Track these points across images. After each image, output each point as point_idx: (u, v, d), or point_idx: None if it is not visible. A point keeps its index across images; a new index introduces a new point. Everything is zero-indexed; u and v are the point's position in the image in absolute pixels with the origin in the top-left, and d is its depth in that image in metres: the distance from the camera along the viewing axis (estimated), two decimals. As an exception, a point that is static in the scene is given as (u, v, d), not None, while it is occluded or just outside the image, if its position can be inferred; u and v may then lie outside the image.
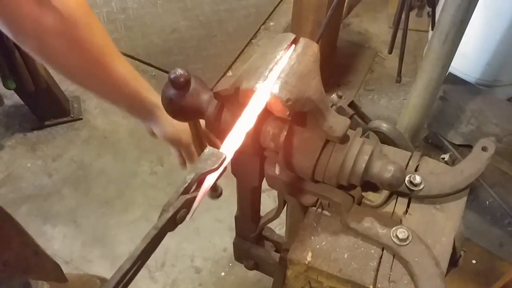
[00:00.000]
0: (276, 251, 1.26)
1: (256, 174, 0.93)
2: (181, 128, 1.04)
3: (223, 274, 1.90)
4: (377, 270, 0.84)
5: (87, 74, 0.90)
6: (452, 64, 1.59)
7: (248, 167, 0.93)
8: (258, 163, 0.89)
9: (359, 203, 0.90)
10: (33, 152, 2.26)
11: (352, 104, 1.15)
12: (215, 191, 1.06)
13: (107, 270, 1.88)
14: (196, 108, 0.84)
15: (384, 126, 1.05)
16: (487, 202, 2.01)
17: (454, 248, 0.88)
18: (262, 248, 1.25)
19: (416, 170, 0.96)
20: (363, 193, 0.91)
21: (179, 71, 0.78)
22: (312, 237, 0.89)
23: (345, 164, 0.78)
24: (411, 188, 0.90)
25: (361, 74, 2.57)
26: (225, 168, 0.66)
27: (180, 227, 1.82)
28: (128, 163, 2.21)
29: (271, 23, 2.83)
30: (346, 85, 2.52)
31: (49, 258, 1.21)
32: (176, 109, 0.83)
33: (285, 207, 1.06)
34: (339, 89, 2.49)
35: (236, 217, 1.19)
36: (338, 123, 0.76)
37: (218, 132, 0.84)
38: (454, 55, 1.53)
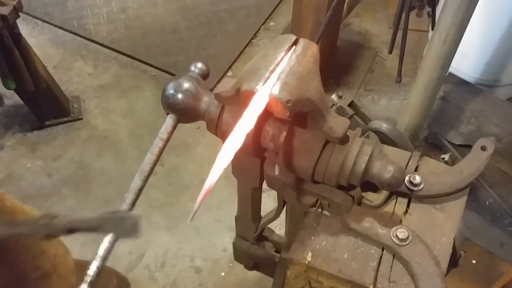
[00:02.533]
0: (276, 251, 1.27)
1: (257, 175, 0.93)
2: None
3: (223, 274, 1.90)
4: (377, 270, 0.84)
5: None
6: (452, 64, 1.59)
7: (249, 168, 0.93)
8: (259, 164, 0.89)
9: (359, 203, 0.90)
10: (33, 152, 2.26)
11: (352, 104, 1.15)
12: None
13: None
14: (197, 110, 0.84)
15: (384, 126, 1.05)
16: (487, 202, 2.01)
17: (454, 248, 0.88)
18: (262, 248, 1.26)
19: (416, 170, 0.96)
20: (363, 194, 0.91)
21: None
22: (312, 237, 0.89)
23: (345, 164, 0.78)
24: (411, 188, 0.90)
25: (361, 74, 2.57)
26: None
27: (180, 227, 1.83)
28: (128, 163, 2.21)
29: (271, 23, 2.83)
30: (346, 85, 2.51)
31: None
32: (177, 109, 0.83)
33: (285, 207, 1.06)
34: (339, 89, 2.49)
35: (236, 218, 1.19)
36: (338, 124, 0.76)
37: (219, 133, 0.85)
38: (454, 55, 1.53)
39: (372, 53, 2.67)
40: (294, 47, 0.73)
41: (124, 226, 0.59)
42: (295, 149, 0.79)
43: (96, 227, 0.60)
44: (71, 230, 0.63)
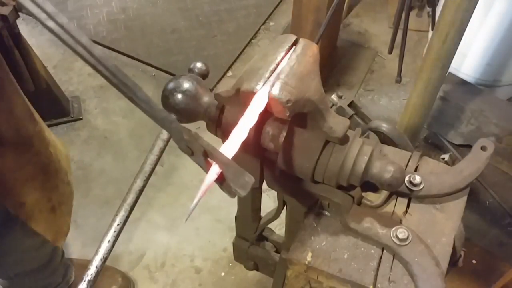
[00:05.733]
0: (276, 251, 1.27)
1: (257, 175, 0.93)
2: None
3: (223, 274, 1.90)
4: (377, 270, 0.84)
5: None
6: (452, 64, 1.59)
7: (249, 168, 0.93)
8: (259, 164, 0.89)
9: (359, 204, 0.91)
10: (33, 152, 2.26)
11: (352, 104, 1.15)
12: None
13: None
14: (197, 110, 0.85)
15: (384, 126, 1.05)
16: (487, 202, 2.01)
17: (454, 248, 0.88)
18: (261, 248, 1.26)
19: (416, 170, 0.97)
20: (363, 194, 0.91)
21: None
22: (312, 237, 0.89)
23: (345, 164, 0.78)
24: (411, 188, 0.90)
25: (361, 74, 2.57)
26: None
27: (180, 227, 1.82)
28: (128, 163, 2.21)
29: (271, 23, 2.83)
30: (346, 85, 2.51)
31: (64, 221, 1.24)
32: (177, 109, 0.84)
33: (285, 207, 1.06)
34: (339, 89, 2.49)
35: (236, 218, 1.19)
36: (338, 124, 0.76)
37: (219, 133, 0.85)
38: (454, 55, 1.53)
39: (372, 53, 2.67)
40: (294, 47, 0.73)
41: (240, 179, 0.61)
42: (295, 149, 0.79)
43: (223, 164, 0.63)
44: (206, 154, 0.65)
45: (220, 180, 0.65)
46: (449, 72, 2.02)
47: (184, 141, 0.67)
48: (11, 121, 1.03)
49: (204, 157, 0.67)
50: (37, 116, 1.14)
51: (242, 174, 0.63)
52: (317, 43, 0.79)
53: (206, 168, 0.67)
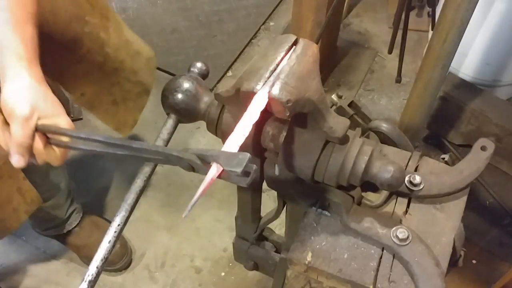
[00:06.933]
0: (276, 251, 1.27)
1: (257, 175, 0.93)
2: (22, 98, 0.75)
3: (223, 274, 1.90)
4: (377, 270, 0.84)
5: None
6: (452, 64, 1.59)
7: (248, 168, 0.93)
8: (259, 164, 0.89)
9: (359, 203, 0.91)
10: (33, 152, 2.25)
11: (352, 104, 1.15)
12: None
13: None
14: (197, 110, 0.85)
15: (384, 126, 1.05)
16: (487, 202, 2.01)
17: (454, 248, 0.88)
18: (262, 248, 1.26)
19: (416, 170, 0.97)
20: (363, 194, 0.91)
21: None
22: (312, 237, 0.89)
23: (345, 164, 0.78)
24: (411, 188, 0.90)
25: (361, 74, 2.57)
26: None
27: (180, 227, 1.83)
28: (128, 163, 2.20)
29: (271, 23, 2.83)
30: (346, 85, 2.51)
31: (129, 115, 1.44)
32: (177, 109, 0.84)
33: (285, 207, 1.06)
34: (339, 89, 2.49)
35: (236, 218, 1.19)
36: (338, 124, 0.76)
37: (219, 133, 0.85)
38: (454, 55, 1.53)
39: (372, 53, 2.67)
40: (294, 47, 0.73)
41: (234, 160, 0.63)
42: (295, 149, 0.79)
43: (216, 157, 0.65)
44: (200, 157, 0.68)
45: (220, 175, 0.65)
46: (449, 72, 2.02)
47: (183, 160, 0.68)
48: (57, 23, 1.11)
49: (202, 163, 0.67)
50: (90, 18, 1.21)
51: (235, 155, 0.63)
52: (317, 43, 0.79)
53: None
